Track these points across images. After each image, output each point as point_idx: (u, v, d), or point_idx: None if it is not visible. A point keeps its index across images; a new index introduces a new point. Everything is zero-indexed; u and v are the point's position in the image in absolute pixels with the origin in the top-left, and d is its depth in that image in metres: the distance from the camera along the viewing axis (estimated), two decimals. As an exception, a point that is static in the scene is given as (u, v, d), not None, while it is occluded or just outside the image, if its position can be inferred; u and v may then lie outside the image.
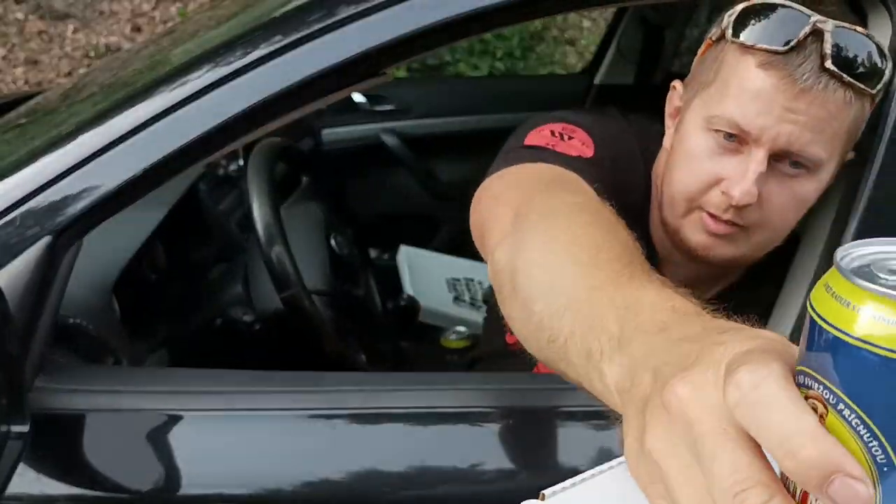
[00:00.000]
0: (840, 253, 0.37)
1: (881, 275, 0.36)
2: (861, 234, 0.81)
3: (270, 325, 1.15)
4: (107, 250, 1.14)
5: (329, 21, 0.87)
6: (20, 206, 0.87)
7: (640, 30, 2.13)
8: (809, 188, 0.84)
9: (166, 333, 1.23)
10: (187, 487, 0.86)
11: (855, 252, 0.38)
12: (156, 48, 1.34)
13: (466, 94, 2.34)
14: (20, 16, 4.71)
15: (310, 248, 1.21)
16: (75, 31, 4.68)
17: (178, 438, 0.87)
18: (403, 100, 2.29)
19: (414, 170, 2.26)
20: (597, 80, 2.18)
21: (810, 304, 0.36)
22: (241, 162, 1.54)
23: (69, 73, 4.48)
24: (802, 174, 0.83)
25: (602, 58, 2.17)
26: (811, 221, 0.91)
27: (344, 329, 1.15)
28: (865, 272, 0.36)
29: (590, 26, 4.35)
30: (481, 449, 0.86)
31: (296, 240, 1.15)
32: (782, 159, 0.82)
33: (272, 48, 0.87)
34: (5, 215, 0.86)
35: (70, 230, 0.86)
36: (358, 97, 2.29)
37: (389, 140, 2.26)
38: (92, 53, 4.54)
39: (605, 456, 0.82)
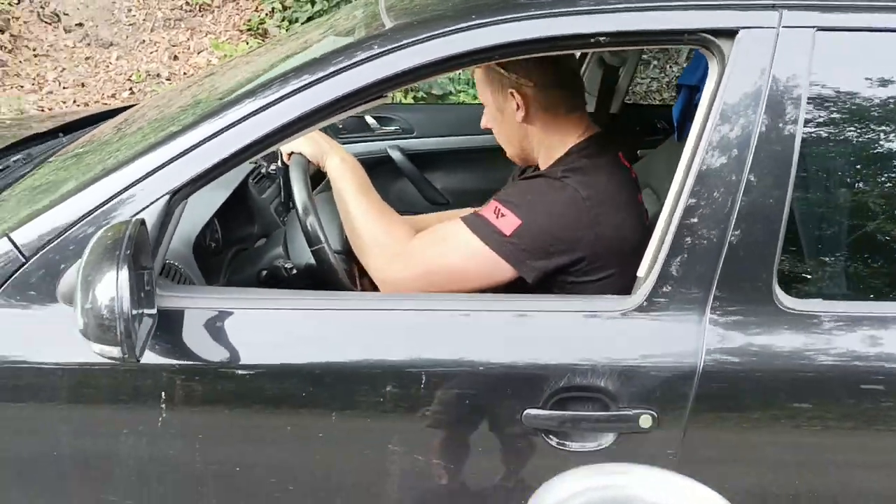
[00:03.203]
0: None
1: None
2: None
3: (303, 271, 1.62)
4: (190, 218, 1.62)
5: (347, 63, 1.34)
6: (147, 177, 1.34)
7: (599, 69, 2.61)
8: (489, 115, 1.66)
9: (226, 282, 1.69)
10: (248, 359, 1.31)
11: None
12: (199, 89, 1.81)
13: (458, 118, 2.82)
14: (69, 43, 5.25)
15: (331, 222, 1.68)
16: (118, 57, 5.21)
17: (241, 326, 1.33)
18: (407, 122, 2.77)
19: (414, 179, 2.74)
20: (564, 109, 2.65)
21: None
22: (279, 163, 2.02)
23: (113, 96, 5.01)
24: (486, 109, 1.66)
25: (569, 91, 2.64)
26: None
27: (352, 276, 1.62)
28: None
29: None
30: (436, 340, 1.32)
31: (322, 215, 1.62)
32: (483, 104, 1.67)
33: (301, 83, 1.34)
34: (139, 183, 1.33)
35: (179, 192, 1.34)
36: (370, 119, 2.77)
37: (395, 155, 2.74)
38: (133, 78, 5.07)
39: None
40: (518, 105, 1.60)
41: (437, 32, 1.32)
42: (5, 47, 5.05)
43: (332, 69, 1.34)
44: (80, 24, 5.29)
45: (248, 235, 1.93)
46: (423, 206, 2.76)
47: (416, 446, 1.30)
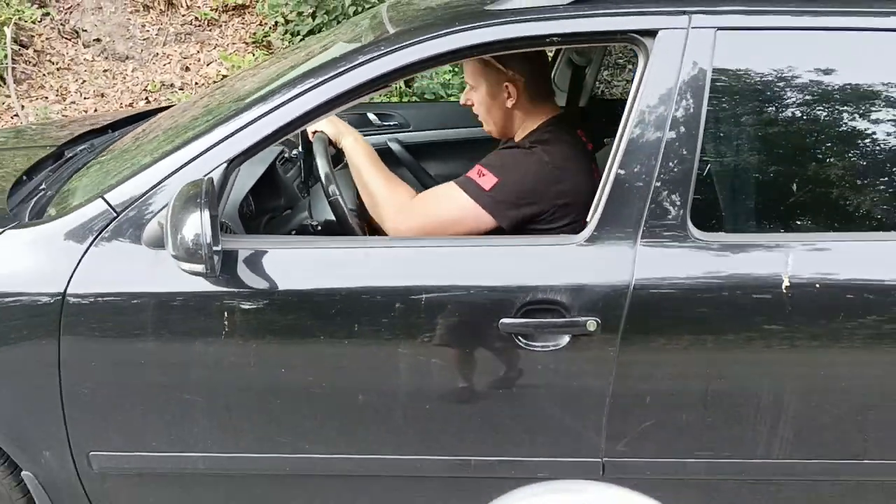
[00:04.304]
0: None
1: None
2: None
3: (324, 226, 2.04)
4: (235, 190, 2.03)
5: (360, 60, 1.76)
6: (208, 151, 1.75)
7: (568, 69, 3.03)
8: (477, 97, 2.06)
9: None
10: (287, 285, 1.71)
11: None
12: (210, 99, 2.22)
13: (448, 113, 3.24)
14: (89, 57, 5.66)
15: (348, 190, 2.09)
16: (134, 70, 5.63)
17: (280, 262, 1.73)
18: (405, 118, 3.19)
19: (411, 167, 3.15)
20: (539, 104, 3.07)
21: None
22: (300, 149, 2.44)
23: (130, 104, 5.42)
24: (474, 91, 2.05)
25: (543, 88, 3.06)
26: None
27: (363, 229, 2.04)
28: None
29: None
30: (432, 270, 1.73)
31: (340, 185, 2.04)
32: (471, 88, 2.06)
33: (325, 77, 1.75)
34: (202, 155, 1.74)
35: (233, 161, 1.75)
36: (372, 116, 3.19)
37: (394, 146, 3.15)
38: (149, 88, 5.48)
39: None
40: (509, 94, 2.02)
41: (429, 35, 1.74)
42: (30, 61, 5.46)
43: (349, 65, 1.76)
44: (98, 40, 5.70)
45: (276, 207, 2.34)
46: (420, 191, 3.17)
47: (419, 349, 1.71)
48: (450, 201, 1.90)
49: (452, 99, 4.71)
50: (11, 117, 5.12)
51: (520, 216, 1.88)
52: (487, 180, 1.88)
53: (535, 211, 1.88)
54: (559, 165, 1.90)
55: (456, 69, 4.86)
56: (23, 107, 5.18)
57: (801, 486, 1.82)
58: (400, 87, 4.97)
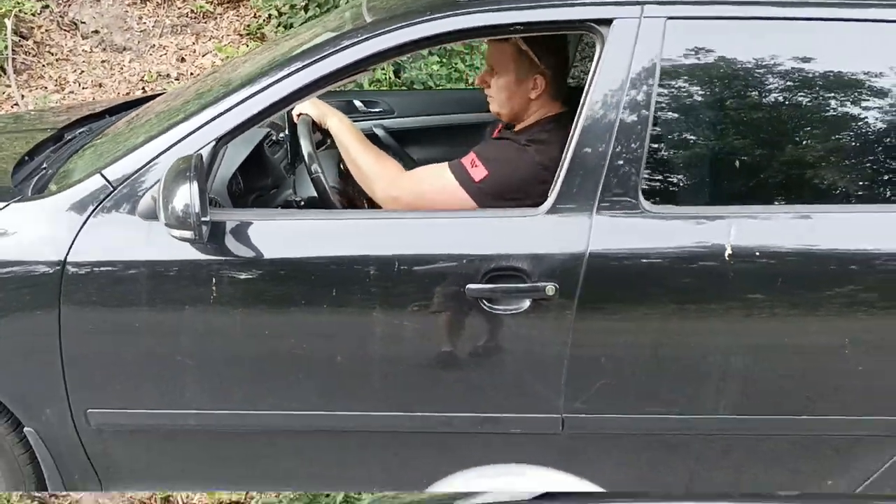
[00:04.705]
0: None
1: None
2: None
3: (307, 202, 2.19)
4: (224, 168, 2.17)
5: (339, 46, 1.90)
6: (196, 131, 1.89)
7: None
8: (500, 82, 2.11)
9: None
10: (271, 253, 1.87)
11: None
12: (201, 85, 2.36)
13: (432, 101, 3.39)
14: (87, 48, 5.79)
15: (330, 169, 2.23)
16: (131, 60, 5.76)
17: (264, 232, 1.88)
18: (390, 105, 3.33)
19: (396, 152, 3.29)
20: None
21: None
22: (287, 132, 2.58)
23: (127, 94, 5.55)
24: (494, 76, 2.11)
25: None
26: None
27: (342, 204, 2.18)
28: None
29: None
30: (404, 239, 1.87)
31: (322, 164, 2.18)
32: (491, 71, 2.12)
33: (307, 61, 1.89)
34: (192, 134, 1.89)
35: (221, 140, 1.89)
36: (358, 103, 3.33)
37: (379, 132, 3.29)
38: (146, 78, 5.61)
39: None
40: (535, 86, 2.10)
41: (402, 24, 1.89)
42: (30, 52, 5.59)
43: (329, 51, 1.90)
44: (97, 31, 5.83)
45: (263, 186, 2.49)
46: (404, 175, 3.30)
47: (392, 312, 1.86)
48: (441, 182, 2.03)
49: (438, 88, 4.85)
50: (11, 106, 5.25)
51: (504, 207, 2.01)
52: (478, 171, 2.00)
53: (519, 205, 2.01)
54: (548, 166, 2.02)
55: (443, 60, 4.99)
56: (23, 96, 5.31)
57: (746, 440, 1.97)
58: (390, 78, 5.11)
